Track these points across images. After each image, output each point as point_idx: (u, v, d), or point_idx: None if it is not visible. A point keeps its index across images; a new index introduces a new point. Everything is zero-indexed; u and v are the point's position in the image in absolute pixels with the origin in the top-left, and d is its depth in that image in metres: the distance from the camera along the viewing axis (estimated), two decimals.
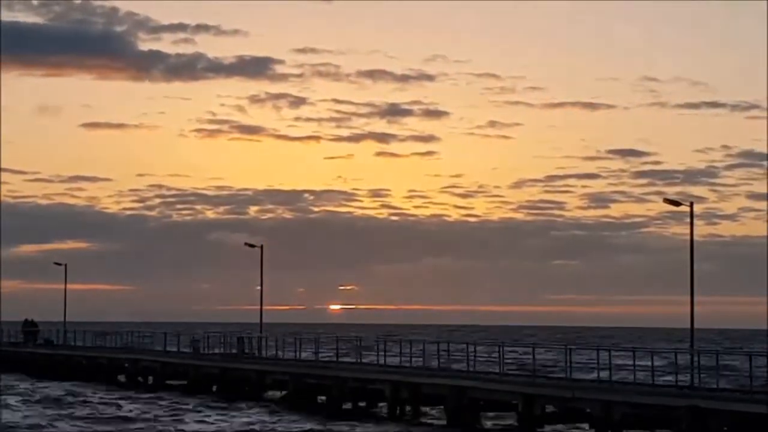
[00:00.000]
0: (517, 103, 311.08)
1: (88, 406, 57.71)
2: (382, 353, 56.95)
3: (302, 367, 60.02)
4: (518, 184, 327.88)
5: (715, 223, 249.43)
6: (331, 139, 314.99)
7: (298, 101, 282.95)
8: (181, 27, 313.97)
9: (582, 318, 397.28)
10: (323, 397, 56.97)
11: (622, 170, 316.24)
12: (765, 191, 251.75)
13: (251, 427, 48.03)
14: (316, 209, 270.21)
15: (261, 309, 76.64)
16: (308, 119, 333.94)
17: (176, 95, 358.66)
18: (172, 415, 52.85)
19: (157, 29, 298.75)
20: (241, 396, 61.58)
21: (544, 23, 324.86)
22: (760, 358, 41.38)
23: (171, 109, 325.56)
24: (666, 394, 39.52)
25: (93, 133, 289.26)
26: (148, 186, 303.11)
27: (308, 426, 47.89)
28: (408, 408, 51.73)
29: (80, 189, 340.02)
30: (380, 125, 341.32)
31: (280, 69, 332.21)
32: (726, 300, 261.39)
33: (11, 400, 60.74)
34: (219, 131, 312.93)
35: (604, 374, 43.11)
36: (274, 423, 49.30)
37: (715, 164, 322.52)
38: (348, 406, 54.48)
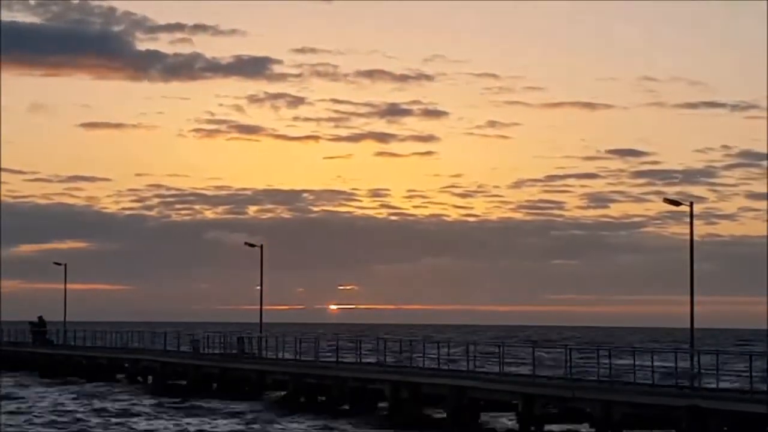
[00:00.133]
0: (516, 103, 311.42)
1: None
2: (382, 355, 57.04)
3: (302, 367, 60.03)
4: (517, 184, 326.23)
5: (715, 223, 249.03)
6: (330, 139, 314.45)
7: (297, 101, 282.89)
8: (178, 27, 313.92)
9: (581, 318, 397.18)
10: (323, 397, 56.99)
11: (621, 170, 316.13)
12: (764, 191, 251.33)
13: (251, 426, 48.11)
14: (315, 209, 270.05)
15: (261, 309, 76.77)
16: (307, 119, 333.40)
17: (174, 95, 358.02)
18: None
19: (155, 29, 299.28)
20: (242, 396, 61.64)
21: (543, 23, 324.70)
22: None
23: (169, 108, 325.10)
24: (666, 394, 39.52)
25: (91, 132, 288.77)
26: (147, 186, 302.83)
27: (308, 426, 47.92)
28: (408, 408, 51.70)
29: (79, 189, 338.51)
30: (379, 125, 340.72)
31: (278, 69, 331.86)
32: (725, 300, 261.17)
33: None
34: (218, 131, 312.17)
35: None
36: (274, 423, 49.38)
37: (714, 164, 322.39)
38: (348, 406, 54.50)
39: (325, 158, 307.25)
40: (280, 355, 66.69)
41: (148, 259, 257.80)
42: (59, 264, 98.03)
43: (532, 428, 43.78)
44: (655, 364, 42.51)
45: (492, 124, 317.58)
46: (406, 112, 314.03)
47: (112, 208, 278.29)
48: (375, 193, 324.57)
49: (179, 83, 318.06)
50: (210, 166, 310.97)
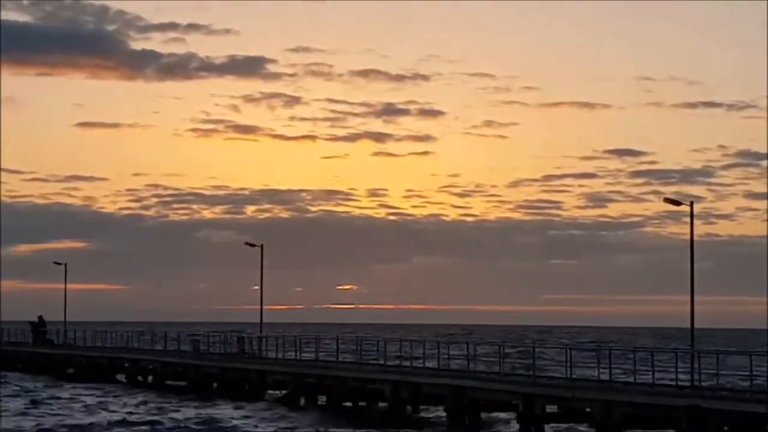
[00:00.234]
0: (513, 102, 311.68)
1: None
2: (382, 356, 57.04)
3: (302, 367, 60.06)
4: (515, 184, 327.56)
5: (713, 223, 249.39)
6: (327, 139, 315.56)
7: (293, 101, 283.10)
8: (171, 26, 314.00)
9: (580, 317, 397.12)
10: (323, 397, 57.02)
11: (619, 170, 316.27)
12: (762, 191, 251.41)
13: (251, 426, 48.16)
14: (313, 209, 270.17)
15: (261, 309, 76.75)
16: (303, 119, 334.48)
17: (170, 95, 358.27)
18: None
19: (148, 28, 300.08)
20: (242, 395, 61.67)
21: (538, 23, 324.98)
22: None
23: (165, 108, 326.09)
24: (666, 394, 39.52)
25: (88, 132, 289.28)
26: (144, 186, 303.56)
27: (308, 425, 47.95)
28: (408, 408, 51.76)
29: (76, 189, 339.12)
30: (376, 125, 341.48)
31: (273, 68, 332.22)
32: (723, 300, 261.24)
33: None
34: (214, 131, 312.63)
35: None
36: (274, 423, 49.42)
37: (711, 164, 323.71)
38: (348, 405, 54.54)
39: (322, 158, 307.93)
40: (280, 355, 66.75)
41: (146, 259, 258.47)
42: (59, 264, 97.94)
43: (532, 428, 43.80)
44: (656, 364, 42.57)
45: (489, 123, 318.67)
46: (403, 112, 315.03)
47: (110, 208, 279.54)
48: (373, 193, 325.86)
49: (174, 83, 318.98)
50: (207, 166, 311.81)
